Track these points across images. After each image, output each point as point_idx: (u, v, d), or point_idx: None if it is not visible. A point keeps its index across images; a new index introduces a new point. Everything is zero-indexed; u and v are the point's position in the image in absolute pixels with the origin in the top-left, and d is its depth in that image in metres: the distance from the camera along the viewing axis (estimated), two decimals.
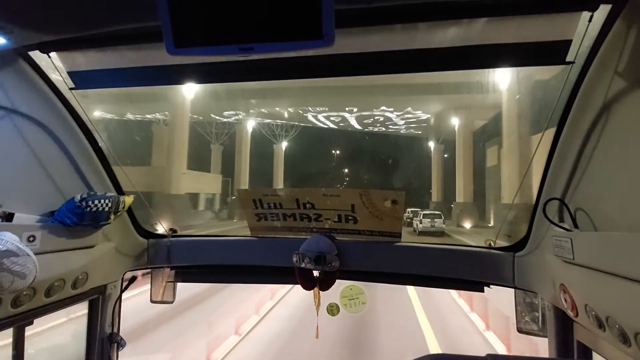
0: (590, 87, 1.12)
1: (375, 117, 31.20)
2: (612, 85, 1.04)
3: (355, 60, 1.10)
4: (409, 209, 26.49)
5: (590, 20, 0.99)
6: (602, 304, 0.97)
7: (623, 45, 0.99)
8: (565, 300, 1.19)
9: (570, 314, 1.18)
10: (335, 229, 1.84)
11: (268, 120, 33.91)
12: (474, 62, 1.15)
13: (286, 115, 32.27)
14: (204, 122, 30.91)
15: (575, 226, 1.20)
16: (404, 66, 1.17)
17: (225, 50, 0.88)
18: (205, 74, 1.23)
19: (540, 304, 1.63)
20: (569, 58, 1.08)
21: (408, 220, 25.21)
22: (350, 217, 1.79)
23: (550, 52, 1.07)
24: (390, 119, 31.38)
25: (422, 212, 25.26)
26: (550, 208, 1.32)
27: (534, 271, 1.50)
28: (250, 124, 32.33)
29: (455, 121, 27.48)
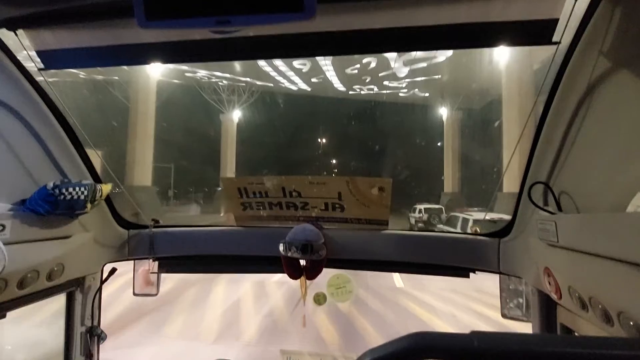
0: (576, 69, 1.11)
1: (366, 74, 20.36)
2: (596, 66, 1.03)
3: (339, 38, 1.06)
4: (419, 206, 20.20)
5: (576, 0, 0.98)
6: (586, 285, 0.97)
7: (608, 25, 0.97)
8: (549, 284, 1.20)
9: (554, 296, 1.18)
10: (322, 217, 1.81)
11: (204, 74, 21.85)
12: (458, 42, 1.13)
13: (238, 69, 21.52)
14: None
15: (560, 209, 1.21)
16: (387, 45, 1.14)
17: (200, 23, 0.83)
18: (180, 52, 1.17)
19: (525, 290, 1.65)
20: (555, 38, 1.07)
21: (419, 222, 19.32)
22: (337, 205, 1.77)
23: (536, 32, 1.05)
24: (387, 72, 19.69)
25: (419, 207, 19.97)
26: (535, 192, 1.32)
27: (518, 256, 1.51)
28: (180, 85, 22.31)
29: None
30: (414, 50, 1.16)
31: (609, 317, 0.87)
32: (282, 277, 1.77)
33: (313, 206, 1.79)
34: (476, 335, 0.46)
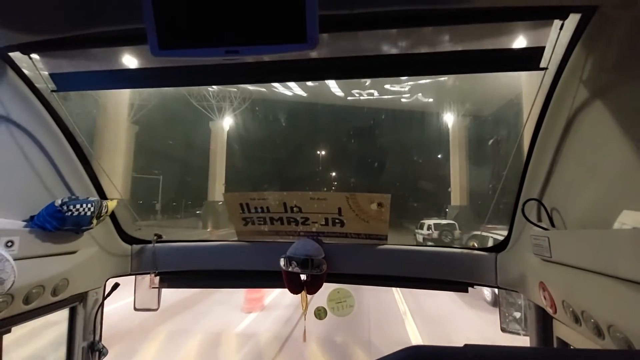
0: (563, 93, 1.18)
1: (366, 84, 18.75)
2: (581, 90, 1.09)
3: (342, 63, 1.13)
4: (427, 222, 18.06)
5: (561, 29, 1.05)
6: (578, 299, 1.01)
7: (591, 53, 1.04)
8: (545, 298, 1.23)
9: (550, 310, 1.21)
10: (322, 232, 1.85)
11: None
12: (454, 67, 1.19)
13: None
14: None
15: (552, 225, 1.25)
16: (388, 70, 1.20)
17: (211, 52, 0.89)
18: (190, 77, 1.23)
19: (523, 304, 1.67)
20: (542, 64, 1.13)
21: (427, 239, 17.10)
22: (337, 221, 1.80)
23: (525, 59, 1.12)
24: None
25: (427, 222, 17.76)
26: (528, 208, 1.37)
27: (515, 270, 1.54)
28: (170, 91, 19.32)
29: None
30: (411, 75, 1.23)
31: (600, 331, 0.91)
32: (248, 327, 1.76)
33: (313, 221, 1.83)
34: (469, 347, 0.49)
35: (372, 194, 1.71)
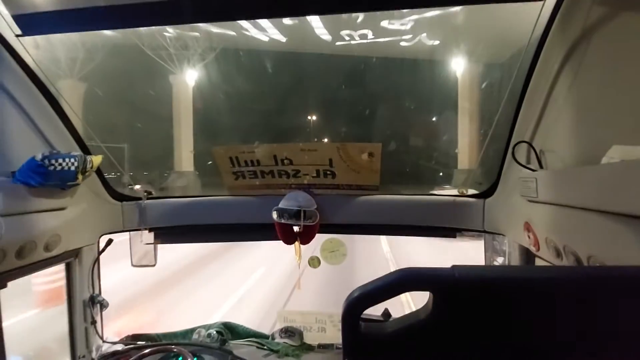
0: (560, 29, 1.13)
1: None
2: (581, 26, 1.05)
3: None
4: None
5: None
6: (560, 234, 1.05)
7: None
8: (529, 237, 1.28)
9: (533, 249, 1.27)
10: (314, 184, 1.85)
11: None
12: None
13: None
14: None
15: (541, 167, 1.27)
16: (386, 2, 1.11)
17: None
18: (170, 13, 1.12)
19: (507, 248, 1.75)
20: None
21: None
22: (328, 172, 1.80)
23: None
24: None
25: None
26: (518, 153, 1.38)
27: (501, 214, 1.59)
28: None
29: None
30: (409, 7, 1.14)
31: (579, 262, 0.95)
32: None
33: (305, 173, 1.82)
34: (457, 267, 0.51)
35: (362, 143, 1.69)
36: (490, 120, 1.35)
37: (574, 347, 0.48)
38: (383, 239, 10.11)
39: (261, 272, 8.24)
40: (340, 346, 1.94)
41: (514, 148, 1.35)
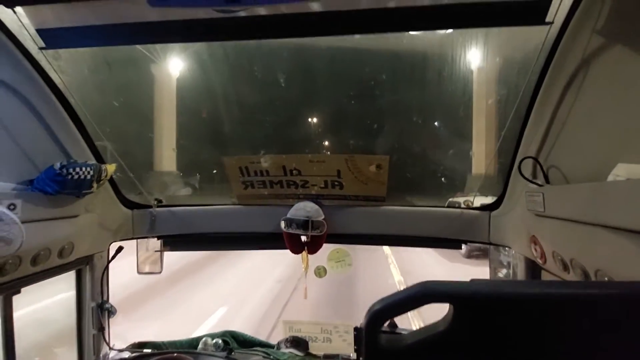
0: (567, 48, 1.17)
1: None
2: (587, 46, 1.08)
3: (345, 17, 1.08)
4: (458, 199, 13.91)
5: None
6: (567, 248, 1.07)
7: (601, 5, 1.02)
8: (535, 250, 1.30)
9: (539, 261, 1.29)
10: (321, 194, 1.88)
11: None
12: (456, 22, 1.16)
13: None
14: None
15: (547, 182, 1.29)
16: (391, 25, 1.16)
17: (209, 1, 0.86)
18: (188, 32, 1.17)
19: (512, 261, 1.76)
20: (548, 19, 1.11)
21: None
22: (336, 183, 1.83)
23: (529, 12, 1.09)
24: None
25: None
26: (524, 168, 1.41)
27: (507, 227, 1.61)
28: None
29: None
30: (412, 30, 1.19)
31: (587, 276, 0.97)
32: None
33: (313, 184, 1.85)
34: (475, 281, 0.53)
35: (370, 155, 1.73)
36: (500, 132, 1.37)
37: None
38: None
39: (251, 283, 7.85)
40: (346, 356, 1.94)
41: (520, 163, 1.38)
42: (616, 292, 0.51)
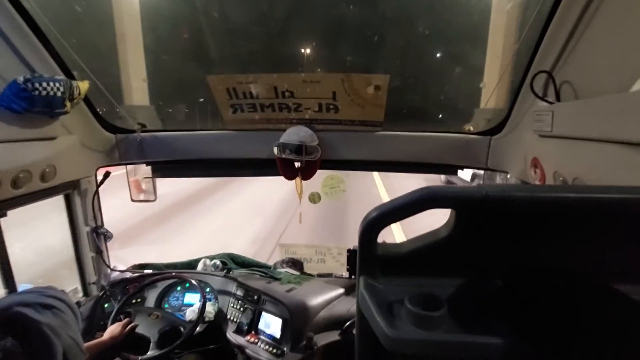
0: None
1: None
2: None
3: None
4: None
5: None
6: (571, 167, 1.03)
7: None
8: (535, 172, 1.27)
9: (538, 184, 1.27)
10: (315, 119, 1.78)
11: None
12: None
13: None
14: None
15: (558, 100, 1.20)
16: None
17: None
18: None
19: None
20: None
21: None
22: (331, 106, 1.72)
23: None
24: None
25: None
26: (535, 87, 1.30)
27: (507, 151, 1.56)
28: None
29: None
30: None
31: None
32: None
33: (306, 107, 1.74)
34: (485, 186, 0.48)
35: (369, 75, 1.59)
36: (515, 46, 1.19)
37: (601, 266, 0.48)
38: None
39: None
40: (339, 274, 2.03)
41: (533, 78, 1.27)
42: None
